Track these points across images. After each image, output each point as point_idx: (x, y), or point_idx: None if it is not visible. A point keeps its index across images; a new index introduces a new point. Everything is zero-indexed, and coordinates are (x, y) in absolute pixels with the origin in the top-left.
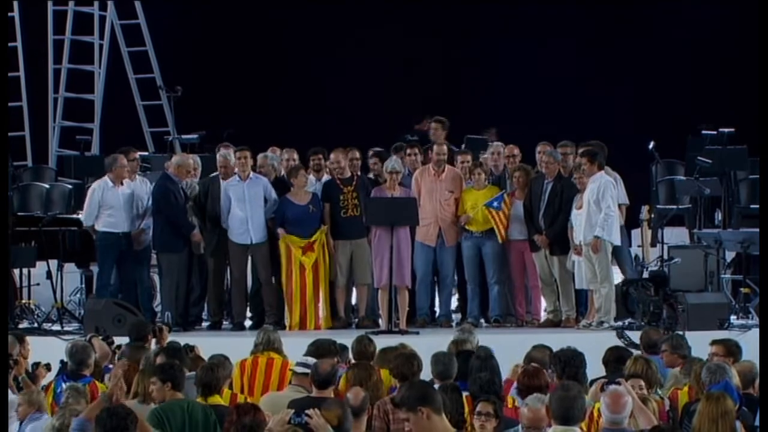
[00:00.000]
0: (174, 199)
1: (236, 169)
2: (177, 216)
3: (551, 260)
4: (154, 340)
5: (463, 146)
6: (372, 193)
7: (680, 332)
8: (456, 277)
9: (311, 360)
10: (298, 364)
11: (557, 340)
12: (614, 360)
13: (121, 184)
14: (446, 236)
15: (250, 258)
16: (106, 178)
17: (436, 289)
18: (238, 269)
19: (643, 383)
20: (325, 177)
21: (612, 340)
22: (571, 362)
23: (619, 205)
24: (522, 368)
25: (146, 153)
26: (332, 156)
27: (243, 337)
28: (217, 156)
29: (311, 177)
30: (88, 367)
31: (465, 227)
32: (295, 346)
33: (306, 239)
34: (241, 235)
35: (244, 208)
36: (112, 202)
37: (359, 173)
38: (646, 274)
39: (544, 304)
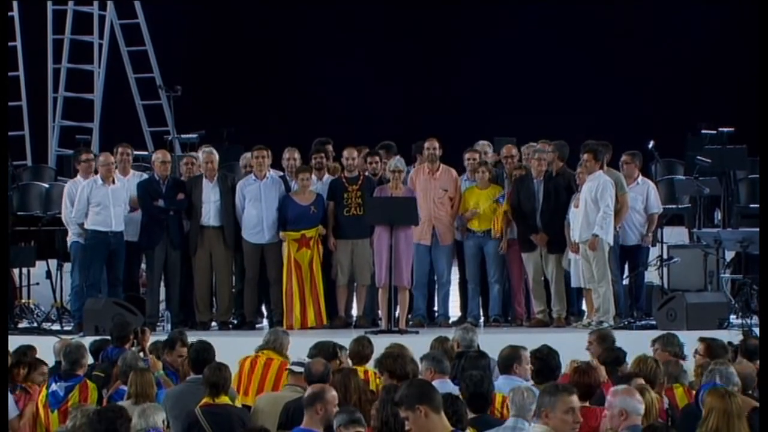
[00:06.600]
0: (146, 199)
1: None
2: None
3: (547, 259)
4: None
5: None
6: (375, 192)
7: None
8: (452, 276)
9: (307, 359)
10: (295, 363)
11: (558, 339)
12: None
13: (113, 182)
14: (441, 235)
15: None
16: (97, 176)
17: (435, 288)
18: (251, 269)
19: (643, 381)
20: (327, 176)
21: None
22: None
23: (652, 214)
24: (574, 366)
25: (146, 152)
26: (345, 152)
27: (250, 336)
28: (200, 154)
29: (312, 177)
30: (81, 367)
31: (468, 227)
32: (293, 345)
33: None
34: (255, 235)
35: (259, 207)
36: (101, 199)
37: (365, 173)
38: (647, 273)
39: None
